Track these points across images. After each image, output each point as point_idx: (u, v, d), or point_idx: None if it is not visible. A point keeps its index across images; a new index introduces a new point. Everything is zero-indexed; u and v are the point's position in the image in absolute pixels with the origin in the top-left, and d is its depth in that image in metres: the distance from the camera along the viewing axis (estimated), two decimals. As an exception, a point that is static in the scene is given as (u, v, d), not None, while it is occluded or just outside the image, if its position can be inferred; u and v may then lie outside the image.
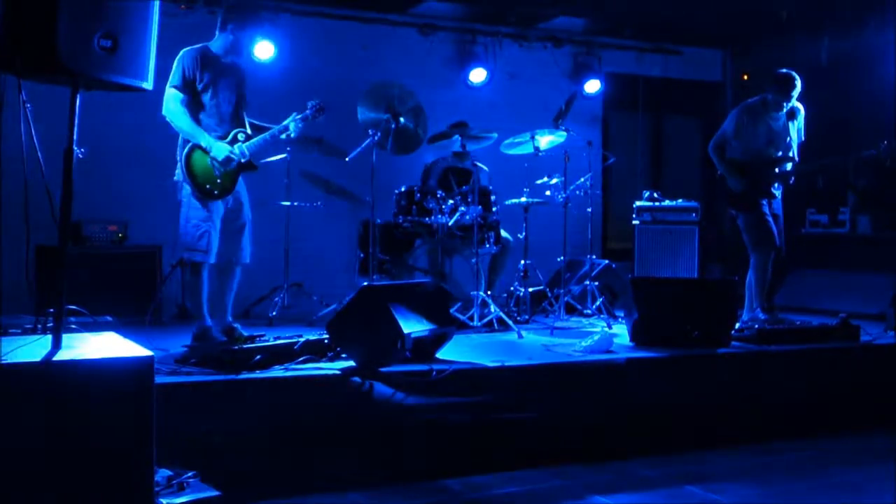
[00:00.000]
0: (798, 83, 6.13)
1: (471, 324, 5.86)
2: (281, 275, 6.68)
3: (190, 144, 4.89)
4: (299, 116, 5.17)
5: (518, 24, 8.54)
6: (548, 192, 6.83)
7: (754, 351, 5.30)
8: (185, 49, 4.94)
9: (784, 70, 6.20)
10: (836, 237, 8.17)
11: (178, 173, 4.98)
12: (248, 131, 5.12)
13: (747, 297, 6.31)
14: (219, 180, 4.92)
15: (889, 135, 5.95)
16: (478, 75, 8.40)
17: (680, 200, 7.81)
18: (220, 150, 4.91)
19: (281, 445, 3.97)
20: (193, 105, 4.93)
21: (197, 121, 4.95)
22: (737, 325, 5.61)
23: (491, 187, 6.58)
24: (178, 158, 4.97)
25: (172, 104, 4.87)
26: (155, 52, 3.33)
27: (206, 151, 4.89)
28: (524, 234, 6.68)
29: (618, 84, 9.18)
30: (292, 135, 5.19)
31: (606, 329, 6.07)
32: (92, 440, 2.93)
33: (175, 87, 4.86)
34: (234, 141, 5.02)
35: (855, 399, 5.33)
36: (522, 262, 6.65)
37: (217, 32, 5.05)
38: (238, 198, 5.11)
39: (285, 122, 5.17)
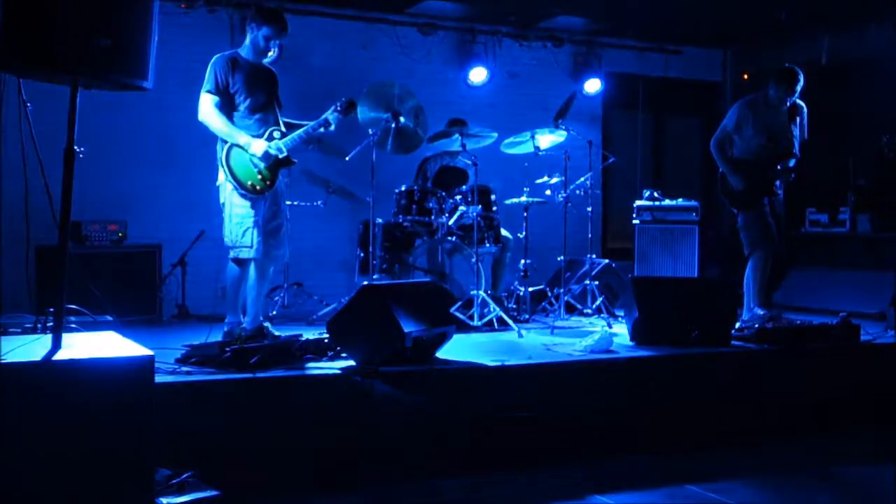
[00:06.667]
0: (801, 79, 6.12)
1: (471, 323, 5.86)
2: (281, 274, 6.67)
3: (228, 145, 4.99)
4: (334, 112, 5.23)
5: (518, 23, 8.54)
6: (548, 192, 6.84)
7: (754, 351, 5.30)
8: (216, 55, 5.07)
9: (788, 65, 6.21)
10: (835, 237, 8.17)
11: (220, 177, 5.06)
12: (283, 129, 5.19)
13: (745, 296, 6.30)
14: (259, 176, 5.00)
15: (890, 132, 5.94)
16: (478, 75, 8.39)
17: (680, 200, 7.81)
18: (258, 146, 5.00)
19: (281, 445, 3.97)
20: (227, 108, 5.03)
21: (232, 122, 5.04)
22: (737, 325, 5.62)
23: (492, 185, 6.58)
24: (219, 162, 5.05)
25: (207, 108, 4.98)
26: (155, 52, 3.33)
27: (244, 149, 4.98)
28: (524, 233, 6.67)
29: (618, 83, 9.18)
30: (332, 128, 5.25)
31: (606, 328, 6.06)
32: (92, 440, 2.93)
33: (209, 91, 4.98)
34: (271, 138, 5.10)
35: (855, 399, 5.32)
36: (523, 261, 6.65)
37: (245, 36, 5.17)
38: (277, 199, 5.19)
39: (324, 117, 5.23)
